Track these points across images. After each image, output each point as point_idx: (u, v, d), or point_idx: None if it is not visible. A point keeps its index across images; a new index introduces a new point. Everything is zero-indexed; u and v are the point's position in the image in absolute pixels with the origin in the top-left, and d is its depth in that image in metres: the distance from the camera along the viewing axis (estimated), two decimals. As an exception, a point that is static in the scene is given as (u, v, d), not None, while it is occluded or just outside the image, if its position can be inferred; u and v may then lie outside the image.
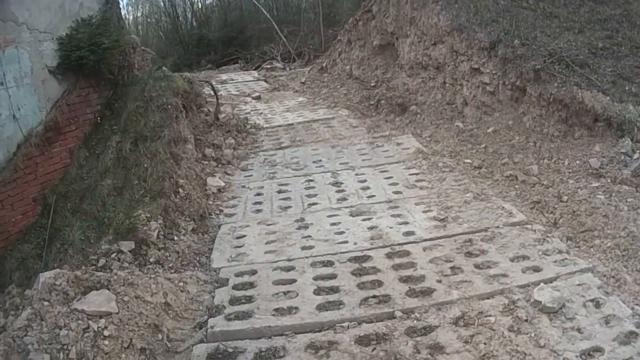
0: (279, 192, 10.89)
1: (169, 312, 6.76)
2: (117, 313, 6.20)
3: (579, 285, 6.73)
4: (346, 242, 8.30)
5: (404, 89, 15.93)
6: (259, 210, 10.02)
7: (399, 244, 8.12)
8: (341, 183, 11.13)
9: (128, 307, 6.39)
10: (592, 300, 6.37)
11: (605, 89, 10.86)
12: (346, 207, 9.78)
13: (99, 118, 11.04)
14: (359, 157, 12.62)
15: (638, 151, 9.95)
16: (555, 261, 7.45)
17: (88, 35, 10.51)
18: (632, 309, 6.32)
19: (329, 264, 7.71)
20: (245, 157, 13.38)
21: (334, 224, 9.05)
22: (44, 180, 9.59)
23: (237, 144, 14.07)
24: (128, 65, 11.85)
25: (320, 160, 12.61)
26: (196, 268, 8.13)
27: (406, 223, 8.85)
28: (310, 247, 8.20)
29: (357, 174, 11.57)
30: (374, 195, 10.32)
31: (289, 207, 10.06)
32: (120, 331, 6.11)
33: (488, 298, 6.62)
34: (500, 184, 10.45)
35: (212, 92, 17.89)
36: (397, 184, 10.80)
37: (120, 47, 11.19)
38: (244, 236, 8.88)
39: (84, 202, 9.45)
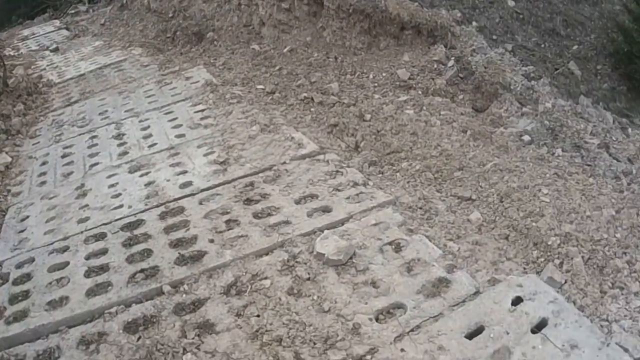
0: (63, 156, 9.57)
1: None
2: None
3: (375, 225, 5.51)
4: (121, 206, 7.10)
5: (200, 16, 14.10)
6: (43, 183, 8.79)
7: (175, 200, 6.88)
8: (123, 134, 9.68)
9: None
10: (391, 243, 5.18)
11: (414, -5, 9.34)
12: (126, 163, 8.52)
13: None
14: (145, 100, 11.00)
15: (453, 58, 8.73)
16: (348, 197, 6.10)
17: None
18: (444, 246, 5.14)
19: (102, 237, 6.53)
20: (34, 122, 11.78)
21: (111, 185, 7.79)
22: None
23: (27, 109, 12.40)
24: None
25: (106, 111, 11.01)
26: None
27: (185, 172, 7.61)
28: (86, 219, 7.02)
29: (140, 121, 10.03)
30: (155, 144, 8.91)
31: (72, 172, 8.81)
32: None
33: (266, 254, 5.45)
34: (295, 109, 8.91)
35: (12, 54, 17.02)
36: (180, 125, 9.31)
37: None
38: (28, 217, 7.65)
39: None
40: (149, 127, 9.66)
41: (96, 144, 9.63)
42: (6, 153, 10.30)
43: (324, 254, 5.10)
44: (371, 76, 9.02)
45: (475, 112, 7.97)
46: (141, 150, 8.83)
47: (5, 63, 14.95)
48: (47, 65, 15.71)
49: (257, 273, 5.24)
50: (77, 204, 7.68)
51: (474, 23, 9.27)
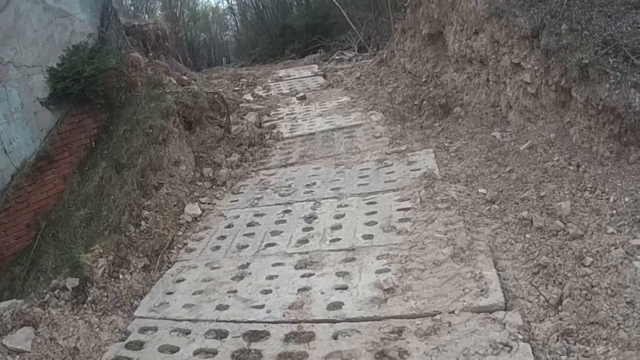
0: (249, 224, 9.52)
1: (76, 357, 6.65)
2: (29, 352, 6.42)
3: None
4: (262, 306, 6.97)
5: (451, 86, 13.14)
6: (217, 248, 8.97)
7: (313, 321, 6.45)
8: (315, 218, 9.22)
9: (39, 348, 6.51)
10: None
11: (675, 93, 7.64)
12: (300, 253, 8.15)
13: (93, 143, 11.01)
14: (357, 180, 10.38)
15: None
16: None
17: (72, 64, 10.45)
18: None
19: (222, 335, 6.58)
20: (243, 176, 11.89)
21: (270, 277, 7.68)
22: (37, 207, 9.88)
23: (242, 160, 12.63)
24: (127, 85, 11.77)
25: (314, 184, 10.67)
26: (123, 312, 7.70)
27: (345, 288, 6.96)
28: (225, 308, 7.12)
29: (339, 206, 9.45)
30: (339, 239, 8.29)
31: (246, 246, 8.80)
32: (28, 370, 5.96)
33: None
34: (508, 230, 7.60)
35: (261, 94, 18.10)
36: (375, 223, 8.51)
37: (109, 71, 11.02)
38: (183, 280, 8.09)
39: (61, 231, 9.43)
40: (343, 215, 9.02)
41: (284, 221, 9.33)
42: (200, 204, 10.56)
43: None
44: (612, 199, 7.42)
45: None
46: (321, 243, 8.27)
47: (241, 106, 15.11)
48: (286, 115, 15.71)
49: None
50: (229, 285, 7.63)
51: None
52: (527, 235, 7.29)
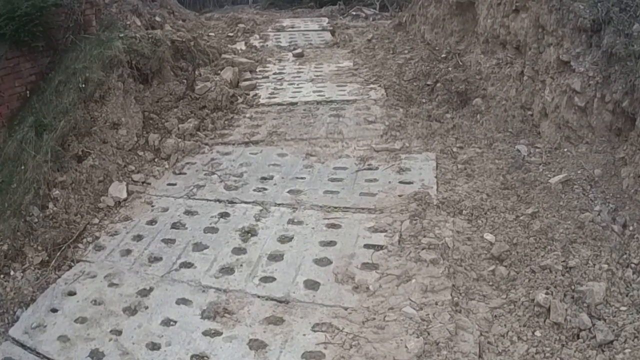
0: (173, 226, 7.64)
1: None
2: None
3: None
4: None
5: (475, 69, 10.86)
6: (128, 252, 7.22)
7: None
8: (254, 234, 7.13)
9: None
10: None
11: None
12: (216, 290, 6.23)
13: (28, 92, 9.68)
14: (325, 184, 8.09)
15: None
16: None
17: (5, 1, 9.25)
18: None
19: None
20: (194, 150, 9.81)
21: (167, 322, 5.90)
22: (-38, 166, 8.64)
23: (199, 129, 10.48)
24: (76, 25, 10.24)
25: (271, 178, 8.47)
26: (2, 324, 6.36)
27: None
28: (100, 358, 5.55)
29: (291, 221, 7.27)
30: (273, 279, 6.26)
31: (160, 259, 6.96)
32: None
33: None
34: (514, 315, 5.39)
35: (255, 44, 16.26)
36: (329, 262, 6.33)
37: (50, 8, 9.65)
38: (74, 294, 6.57)
39: (-27, 200, 8.10)
40: (291, 239, 6.90)
41: (216, 230, 7.37)
42: (130, 183, 8.83)
43: None
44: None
45: None
46: (248, 280, 6.30)
47: (223, 58, 13.23)
48: (273, 74, 13.47)
49: None
50: (116, 320, 6.03)
51: None
52: (538, 333, 5.16)
